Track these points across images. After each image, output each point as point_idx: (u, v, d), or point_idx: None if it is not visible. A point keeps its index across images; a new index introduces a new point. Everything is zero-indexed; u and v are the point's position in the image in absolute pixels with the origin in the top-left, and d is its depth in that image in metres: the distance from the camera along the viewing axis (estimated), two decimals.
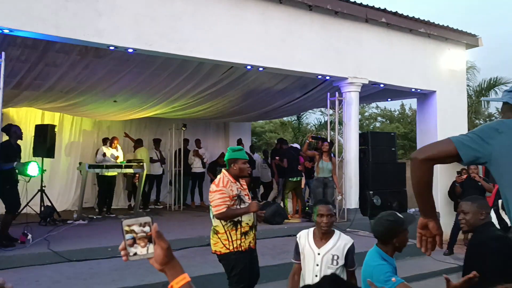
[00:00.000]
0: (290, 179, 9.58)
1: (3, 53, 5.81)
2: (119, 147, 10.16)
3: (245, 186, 4.17)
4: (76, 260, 5.99)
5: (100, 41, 6.49)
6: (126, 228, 1.20)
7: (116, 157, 9.76)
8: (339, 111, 9.34)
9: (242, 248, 3.94)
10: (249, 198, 4.12)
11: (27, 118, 10.47)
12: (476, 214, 2.82)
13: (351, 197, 9.16)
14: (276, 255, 6.68)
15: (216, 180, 4.01)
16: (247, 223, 3.98)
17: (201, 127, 13.43)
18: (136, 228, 1.20)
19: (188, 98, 9.85)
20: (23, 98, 8.81)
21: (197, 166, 11.65)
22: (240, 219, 3.94)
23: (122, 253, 1.19)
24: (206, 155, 11.89)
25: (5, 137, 6.53)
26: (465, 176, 8.61)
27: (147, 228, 1.20)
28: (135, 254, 1.19)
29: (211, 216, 4.01)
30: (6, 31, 5.89)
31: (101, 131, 11.55)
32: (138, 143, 10.98)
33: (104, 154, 9.62)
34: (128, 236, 1.19)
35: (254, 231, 4.11)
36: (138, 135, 11.85)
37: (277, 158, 10.79)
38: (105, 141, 10.17)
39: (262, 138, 24.41)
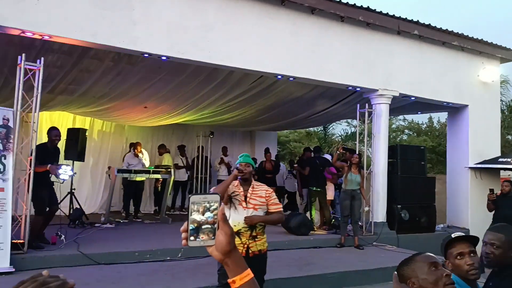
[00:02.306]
0: (310, 188, 9.54)
1: (41, 59, 5.99)
2: (144, 152, 10.30)
3: (244, 192, 3.88)
4: (104, 263, 6.07)
5: (134, 48, 6.62)
6: (192, 207, 1.05)
7: (143, 164, 9.92)
8: (368, 123, 9.25)
9: None
10: (241, 204, 3.84)
11: (59, 121, 10.71)
12: (507, 250, 2.30)
13: (379, 211, 9.03)
14: (303, 266, 6.62)
15: None
16: (234, 225, 3.79)
17: (228, 134, 13.50)
18: (202, 209, 1.05)
19: (217, 106, 9.92)
20: (57, 102, 9.03)
21: (222, 174, 11.69)
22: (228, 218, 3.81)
23: (183, 235, 1.06)
24: (232, 163, 11.94)
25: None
26: (499, 192, 8.33)
27: (213, 209, 1.05)
28: (196, 238, 1.04)
29: None
30: (46, 37, 6.07)
31: (130, 136, 11.74)
32: (162, 148, 11.08)
33: (128, 165, 9.80)
34: (195, 216, 1.04)
35: (249, 235, 3.83)
36: (166, 141, 11.99)
37: (295, 165, 10.72)
38: (131, 145, 10.34)
39: (286, 148, 24.35)
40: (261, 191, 3.94)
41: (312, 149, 11.52)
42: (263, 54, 7.71)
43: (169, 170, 9.63)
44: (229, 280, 1.09)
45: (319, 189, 9.44)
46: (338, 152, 8.93)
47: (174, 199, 11.44)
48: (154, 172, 9.55)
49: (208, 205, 1.05)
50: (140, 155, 10.09)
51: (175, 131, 12.53)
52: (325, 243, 8.29)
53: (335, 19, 8.39)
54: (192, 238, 1.04)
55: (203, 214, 1.05)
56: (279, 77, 8.13)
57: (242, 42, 7.47)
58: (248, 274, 1.10)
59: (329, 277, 6.26)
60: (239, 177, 3.88)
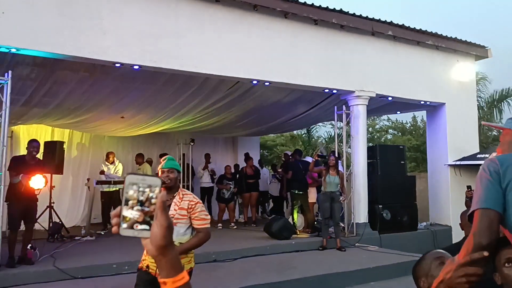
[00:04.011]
0: (293, 191, 9.56)
1: (9, 72, 5.90)
2: (116, 162, 10.21)
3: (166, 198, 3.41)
4: (81, 277, 5.98)
5: (105, 59, 6.56)
6: (129, 189, 0.92)
7: (115, 173, 9.84)
8: (347, 125, 9.28)
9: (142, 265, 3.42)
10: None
11: (37, 134, 10.55)
12: None
13: (360, 211, 9.05)
14: (283, 271, 6.59)
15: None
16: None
17: (210, 141, 13.43)
18: (139, 192, 0.92)
19: (195, 113, 9.88)
20: (32, 115, 8.91)
21: (205, 180, 11.62)
22: None
23: (114, 221, 0.93)
24: (215, 170, 11.89)
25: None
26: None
27: (153, 195, 0.92)
28: (130, 227, 0.92)
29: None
30: (13, 50, 5.99)
31: (110, 147, 11.61)
32: (140, 158, 10.95)
33: (102, 172, 9.70)
34: (132, 200, 0.91)
35: None
36: (146, 150, 11.90)
37: (279, 170, 10.74)
38: (106, 155, 10.28)
39: (273, 152, 24.35)
40: (184, 201, 3.36)
41: (289, 154, 11.56)
42: (237, 60, 7.70)
43: None
44: (160, 280, 0.98)
45: (301, 192, 9.45)
46: (313, 159, 8.94)
47: None
48: None
49: (147, 189, 0.92)
50: (111, 165, 9.99)
51: (155, 140, 12.43)
52: (307, 246, 8.28)
53: (308, 23, 8.42)
54: (124, 225, 0.92)
55: (140, 200, 0.92)
56: (255, 82, 8.12)
57: (215, 49, 7.45)
58: (183, 278, 0.98)
59: (309, 280, 6.24)
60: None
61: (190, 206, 3.33)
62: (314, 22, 8.44)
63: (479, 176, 1.70)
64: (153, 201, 0.93)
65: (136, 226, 0.92)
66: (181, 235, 3.30)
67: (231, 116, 10.55)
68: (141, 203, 0.93)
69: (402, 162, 10.17)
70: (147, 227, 0.93)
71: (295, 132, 21.71)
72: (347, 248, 8.26)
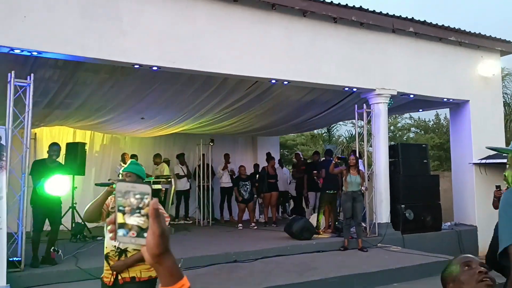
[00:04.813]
0: (327, 191, 9.19)
1: (31, 75, 5.99)
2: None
3: None
4: None
5: (125, 60, 6.61)
6: (119, 197, 0.91)
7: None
8: (368, 123, 9.16)
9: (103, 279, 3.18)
10: None
11: (59, 136, 10.72)
12: None
13: (382, 211, 8.91)
14: (304, 271, 6.52)
15: None
16: (106, 246, 3.18)
17: (229, 141, 13.42)
18: (132, 199, 0.92)
19: (214, 114, 9.88)
20: (54, 117, 9.05)
21: (225, 181, 11.62)
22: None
23: (110, 227, 0.93)
24: (234, 170, 11.87)
25: None
26: (505, 188, 8.17)
27: (145, 202, 0.92)
28: (125, 234, 0.91)
29: None
30: (34, 53, 6.08)
31: (131, 148, 11.72)
32: (158, 158, 11.02)
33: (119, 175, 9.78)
34: (125, 208, 0.91)
35: (117, 260, 3.11)
36: (166, 150, 11.97)
37: (314, 172, 10.54)
38: (122, 156, 10.37)
39: (294, 151, 24.24)
40: None
41: (300, 154, 11.39)
42: (256, 60, 7.66)
43: (169, 180, 9.59)
44: None
45: (335, 192, 9.21)
46: (333, 161, 8.79)
47: (177, 209, 11.40)
48: (154, 183, 9.51)
49: (139, 196, 0.92)
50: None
51: (175, 140, 12.49)
52: (328, 246, 8.19)
53: (328, 21, 8.32)
54: (120, 233, 0.91)
55: (132, 207, 0.92)
56: (273, 81, 8.07)
57: (234, 49, 7.43)
58: (183, 285, 0.96)
59: (330, 281, 6.16)
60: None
61: None
62: (333, 20, 8.34)
63: (503, 208, 1.57)
64: (144, 209, 0.92)
65: (133, 234, 0.92)
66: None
67: (250, 116, 10.53)
68: (134, 210, 0.92)
69: (425, 161, 9.96)
70: (144, 234, 0.92)
71: (315, 131, 21.56)
72: (369, 249, 8.13)
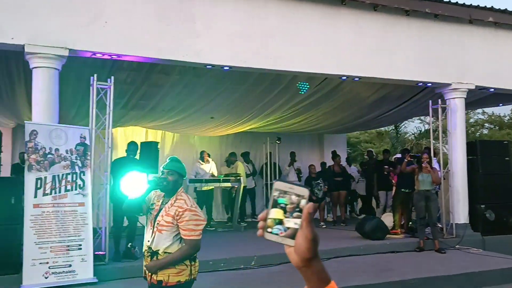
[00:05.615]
0: (402, 189, 8.81)
1: (112, 78, 6.28)
2: (210, 161, 10.48)
3: (160, 207, 3.10)
4: None
5: (198, 61, 6.76)
6: (275, 194, 0.92)
7: (210, 172, 10.10)
8: (443, 119, 8.75)
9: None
10: (151, 222, 3.09)
11: (133, 136, 11.15)
12: None
13: (460, 212, 8.48)
14: (380, 272, 6.35)
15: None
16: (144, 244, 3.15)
17: (296, 139, 13.37)
18: (288, 198, 0.91)
19: (283, 112, 9.88)
20: (129, 118, 9.44)
21: (292, 178, 11.58)
22: None
23: (260, 224, 0.93)
24: (301, 168, 11.81)
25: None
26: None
27: (301, 203, 0.91)
28: (275, 232, 0.91)
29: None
30: (114, 57, 6.37)
31: (200, 147, 11.99)
32: (233, 157, 11.16)
33: (197, 174, 10.02)
34: (278, 206, 0.91)
35: (149, 261, 3.04)
36: (234, 149, 12.10)
37: (388, 167, 10.12)
38: (200, 154, 10.60)
39: (357, 149, 23.77)
40: (173, 207, 3.00)
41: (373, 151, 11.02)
42: (326, 56, 7.56)
43: (238, 178, 9.70)
44: None
45: (410, 190, 8.85)
46: (406, 160, 8.46)
47: (243, 207, 11.52)
48: (223, 181, 9.67)
49: (295, 197, 0.91)
50: (207, 164, 10.29)
51: (242, 139, 12.62)
52: (403, 247, 7.92)
53: (400, 14, 8.05)
54: (269, 230, 0.91)
55: (287, 207, 0.91)
56: (344, 78, 7.93)
57: (304, 46, 7.38)
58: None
59: (409, 283, 5.96)
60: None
61: (177, 213, 2.96)
62: (405, 13, 8.05)
63: None
64: (297, 212, 0.91)
65: (281, 233, 0.92)
66: (166, 243, 2.98)
67: (318, 114, 10.43)
68: (285, 211, 0.92)
69: (506, 158, 9.36)
70: (293, 236, 0.92)
71: (382, 128, 20.99)
72: (447, 250, 7.78)
